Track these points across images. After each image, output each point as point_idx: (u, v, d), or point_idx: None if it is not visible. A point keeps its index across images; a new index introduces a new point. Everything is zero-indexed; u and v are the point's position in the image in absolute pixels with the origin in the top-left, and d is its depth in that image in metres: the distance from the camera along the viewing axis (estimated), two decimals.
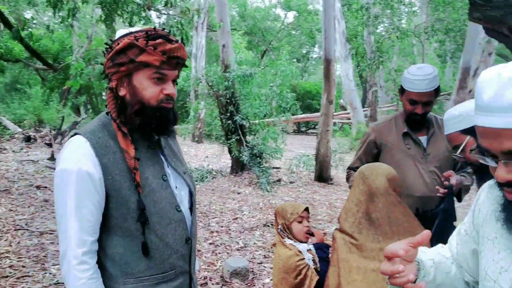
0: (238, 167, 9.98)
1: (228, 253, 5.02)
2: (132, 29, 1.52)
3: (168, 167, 1.63)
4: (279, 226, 2.58)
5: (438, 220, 2.40)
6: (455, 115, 2.05)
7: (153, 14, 8.53)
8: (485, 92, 0.93)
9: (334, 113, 14.02)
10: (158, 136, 1.60)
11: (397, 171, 2.64)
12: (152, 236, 1.50)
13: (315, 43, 32.43)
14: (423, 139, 2.72)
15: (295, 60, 28.50)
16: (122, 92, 1.51)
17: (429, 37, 13.57)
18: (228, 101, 9.61)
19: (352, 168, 2.94)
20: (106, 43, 1.55)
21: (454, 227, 1.98)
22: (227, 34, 10.30)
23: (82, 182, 1.41)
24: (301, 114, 22.09)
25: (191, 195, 1.68)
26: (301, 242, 2.51)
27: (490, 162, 0.97)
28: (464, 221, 1.28)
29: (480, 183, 1.96)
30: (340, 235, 1.98)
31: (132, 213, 1.46)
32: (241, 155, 9.28)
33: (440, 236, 2.36)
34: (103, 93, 23.22)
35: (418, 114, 2.63)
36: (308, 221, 2.53)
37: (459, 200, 2.61)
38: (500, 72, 0.92)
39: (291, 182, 9.55)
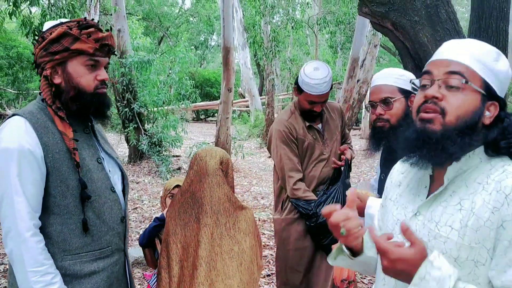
0: (136, 156, 9.75)
1: (128, 243, 4.92)
2: (63, 20, 1.60)
3: (101, 151, 1.72)
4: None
5: (341, 192, 2.66)
6: (401, 74, 2.17)
7: None
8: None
9: (233, 101, 14.21)
10: (96, 120, 1.71)
11: (309, 160, 2.87)
12: (90, 213, 1.58)
13: (214, 31, 32.37)
14: (319, 126, 2.94)
15: (193, 47, 28.23)
16: (57, 80, 1.58)
17: (321, 28, 14.25)
18: (125, 88, 9.32)
19: (295, 170, 2.83)
20: (35, 34, 1.62)
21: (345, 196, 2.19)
22: (122, 19, 9.95)
23: (25, 159, 1.46)
24: (200, 101, 22.07)
25: (124, 178, 1.78)
26: None
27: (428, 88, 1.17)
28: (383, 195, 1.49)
29: (373, 147, 2.19)
30: (173, 217, 2.04)
31: (72, 191, 1.54)
32: (139, 143, 9.07)
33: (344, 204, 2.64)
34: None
35: (316, 112, 2.81)
36: None
37: (350, 169, 2.95)
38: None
39: None
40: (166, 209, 2.23)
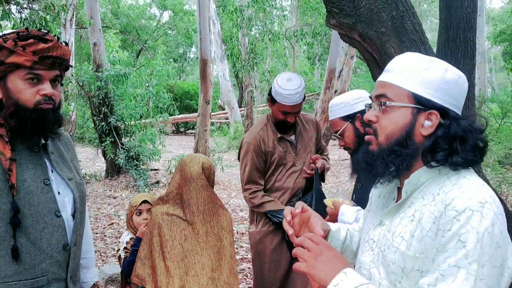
0: (113, 170, 9.62)
1: (103, 260, 4.82)
2: (6, 32, 1.49)
3: (52, 171, 1.59)
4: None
5: (314, 199, 2.67)
6: (337, 103, 2.29)
7: (13, 8, 7.83)
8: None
9: (212, 113, 14.19)
10: (39, 138, 1.56)
11: (280, 172, 2.87)
12: (23, 239, 1.45)
13: (192, 43, 32.40)
14: (292, 138, 2.94)
15: (172, 60, 28.21)
16: None
17: (299, 40, 14.37)
18: (101, 102, 9.21)
19: (252, 182, 2.87)
20: None
21: (324, 205, 2.20)
22: (98, 32, 9.87)
23: None
24: (179, 114, 21.97)
25: (75, 201, 1.64)
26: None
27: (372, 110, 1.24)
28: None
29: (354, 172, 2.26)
30: (161, 212, 2.24)
31: (3, 215, 1.41)
32: (116, 158, 8.96)
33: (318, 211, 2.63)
34: None
35: (290, 122, 2.82)
36: (149, 213, 2.53)
37: (323, 180, 2.94)
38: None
39: (169, 184, 9.45)
40: (146, 221, 2.43)
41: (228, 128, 19.39)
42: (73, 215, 1.62)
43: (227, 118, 20.59)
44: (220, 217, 2.24)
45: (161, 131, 10.46)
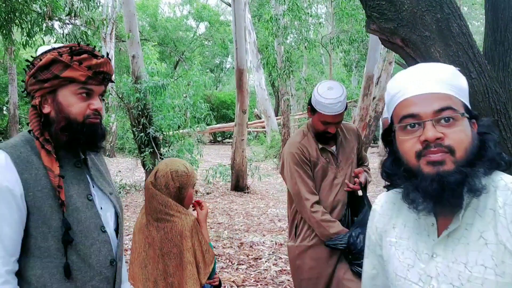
0: None
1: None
2: (55, 45, 1.49)
3: (93, 187, 1.58)
4: None
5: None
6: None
7: (56, 24, 8.09)
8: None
9: (249, 122, 14.21)
10: (88, 152, 1.57)
11: (322, 184, 2.76)
12: (74, 256, 1.44)
13: (228, 54, 32.70)
14: (333, 148, 2.84)
15: (208, 70, 28.52)
16: (47, 109, 1.47)
17: (335, 47, 14.22)
18: (140, 113, 9.36)
19: (310, 192, 2.71)
20: (27, 60, 1.51)
21: None
22: (137, 45, 10.06)
23: (2, 197, 1.35)
24: (216, 124, 22.13)
25: (117, 216, 1.64)
26: None
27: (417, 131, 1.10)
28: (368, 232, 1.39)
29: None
30: (138, 220, 2.38)
31: (54, 232, 1.41)
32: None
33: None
34: (4, 108, 21.64)
35: (331, 133, 2.72)
36: None
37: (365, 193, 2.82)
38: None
39: (207, 193, 9.50)
40: None
41: (265, 137, 19.37)
42: (115, 230, 1.62)
43: (263, 127, 20.59)
44: (175, 223, 2.21)
45: (198, 141, 10.53)
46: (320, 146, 2.79)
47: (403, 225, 1.24)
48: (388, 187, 1.22)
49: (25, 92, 1.52)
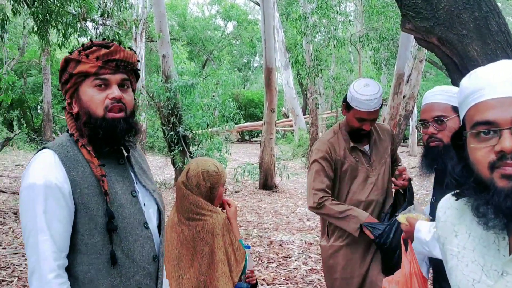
0: None
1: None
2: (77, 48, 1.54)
3: (137, 183, 1.60)
4: None
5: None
6: (455, 92, 2.06)
7: (89, 25, 8.28)
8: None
9: (277, 121, 14.19)
10: (114, 147, 1.56)
11: (350, 183, 2.75)
12: (118, 252, 1.47)
13: (256, 52, 32.77)
14: (366, 148, 2.81)
15: (236, 69, 28.65)
16: (75, 108, 1.51)
17: (364, 45, 14.07)
18: (170, 112, 9.49)
19: (321, 193, 2.70)
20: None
21: None
22: (167, 45, 10.19)
23: (52, 195, 1.38)
24: (244, 123, 22.21)
25: (160, 213, 1.65)
26: None
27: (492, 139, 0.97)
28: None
29: (426, 168, 2.08)
30: (169, 217, 2.42)
31: (100, 228, 1.44)
32: (185, 166, 9.16)
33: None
34: (38, 107, 22.28)
35: (365, 130, 2.69)
36: None
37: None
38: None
39: (236, 192, 9.55)
40: None
41: (293, 135, 19.34)
42: (158, 226, 1.64)
43: (291, 126, 20.56)
44: (207, 222, 2.25)
45: (226, 140, 10.60)
46: (352, 144, 2.77)
47: (467, 234, 1.12)
48: (457, 196, 1.11)
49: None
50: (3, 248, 5.37)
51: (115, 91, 1.48)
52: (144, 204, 1.60)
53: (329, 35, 13.86)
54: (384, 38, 13.92)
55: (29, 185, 1.40)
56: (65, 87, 1.51)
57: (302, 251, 5.29)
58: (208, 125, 9.84)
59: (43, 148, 1.49)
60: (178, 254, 2.28)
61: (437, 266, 2.15)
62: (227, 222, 2.31)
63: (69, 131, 1.53)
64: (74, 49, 1.52)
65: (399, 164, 2.99)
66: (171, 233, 2.33)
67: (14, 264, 4.75)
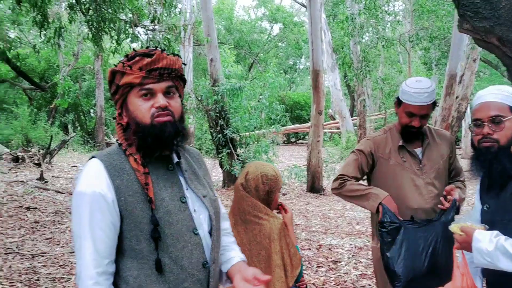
0: (230, 180, 9.94)
1: None
2: (121, 59, 1.56)
3: (187, 189, 1.60)
4: None
5: (436, 233, 2.41)
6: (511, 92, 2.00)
7: (140, 30, 8.53)
8: None
9: (324, 123, 14.08)
10: (163, 151, 1.56)
11: (393, 184, 2.66)
12: (165, 258, 1.47)
13: (302, 54, 32.64)
14: (418, 151, 2.71)
15: (282, 71, 28.66)
16: (125, 118, 1.55)
17: (415, 45, 13.73)
18: (218, 115, 9.61)
19: (346, 176, 2.69)
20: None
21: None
22: (214, 49, 10.34)
23: (96, 203, 1.43)
24: (291, 125, 22.16)
25: (211, 219, 1.63)
26: None
27: None
28: None
29: (478, 171, 2.01)
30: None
31: (145, 235, 1.45)
32: (232, 168, 9.26)
33: (444, 248, 2.37)
34: (91, 111, 23.18)
35: (415, 127, 2.61)
36: None
37: (457, 212, 2.54)
38: None
39: (283, 194, 9.53)
40: None
41: (340, 138, 19.12)
42: (210, 233, 1.61)
43: (338, 128, 20.33)
44: (263, 226, 2.23)
45: (273, 142, 10.61)
46: (400, 143, 2.69)
47: None
48: None
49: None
50: (61, 247, 5.61)
51: (160, 100, 1.49)
52: (195, 210, 1.59)
53: (377, 36, 13.63)
54: (435, 37, 13.56)
55: (77, 193, 1.46)
56: (114, 98, 1.56)
57: (352, 256, 5.22)
58: (255, 128, 9.89)
59: (92, 157, 1.54)
60: None
61: (492, 278, 2.05)
62: (284, 226, 2.29)
63: (118, 141, 1.57)
64: (122, 58, 1.55)
65: (461, 179, 2.81)
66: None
67: (72, 263, 4.95)
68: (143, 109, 1.49)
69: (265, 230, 2.23)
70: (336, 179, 2.73)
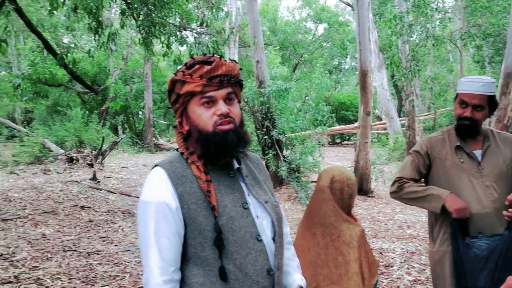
0: (276, 182, 9.94)
1: None
2: (179, 67, 1.59)
3: (249, 195, 1.59)
4: None
5: (500, 248, 2.31)
6: None
7: (187, 34, 8.68)
8: None
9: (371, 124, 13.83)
10: (228, 160, 1.57)
11: (450, 185, 2.57)
12: (230, 265, 1.47)
13: (347, 54, 32.23)
14: (477, 153, 2.60)
15: (327, 72, 28.40)
16: (186, 127, 1.57)
17: (467, 43, 13.26)
18: (264, 116, 9.63)
19: (403, 178, 2.65)
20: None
21: None
22: (261, 50, 10.37)
23: (160, 212, 1.44)
24: (336, 125, 21.91)
25: (274, 225, 1.62)
26: None
27: None
28: None
29: None
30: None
31: (209, 242, 1.46)
32: (279, 170, 9.25)
33: (504, 264, 2.27)
34: (140, 112, 23.80)
35: (468, 118, 2.51)
36: None
37: None
38: None
39: None
40: None
41: (387, 139, 18.73)
42: (273, 239, 1.60)
43: (385, 129, 19.93)
44: (343, 232, 2.21)
45: (319, 143, 10.53)
46: (458, 143, 2.60)
47: None
48: None
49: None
50: (114, 245, 5.79)
51: (222, 107, 1.49)
52: (257, 216, 1.57)
53: (426, 34, 13.26)
54: (489, 34, 13.04)
55: (142, 202, 1.48)
56: (174, 107, 1.57)
57: (404, 260, 5.09)
58: (301, 129, 9.85)
59: (155, 166, 1.55)
60: (306, 261, 2.24)
61: None
62: (363, 234, 2.29)
63: (179, 150, 1.58)
64: (179, 66, 1.58)
65: None
66: (300, 238, 2.32)
67: (125, 261, 5.10)
68: (205, 117, 1.50)
69: (344, 236, 2.22)
70: (394, 182, 2.69)
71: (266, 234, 1.57)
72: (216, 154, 1.51)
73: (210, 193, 1.47)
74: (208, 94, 1.49)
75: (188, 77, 1.49)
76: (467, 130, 2.57)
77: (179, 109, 1.56)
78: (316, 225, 2.26)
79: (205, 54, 1.56)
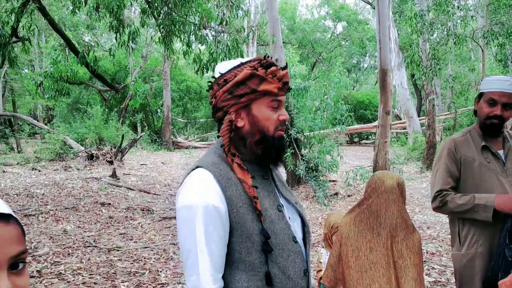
0: (294, 181, 9.93)
1: None
2: (243, 60, 1.50)
3: (280, 197, 1.57)
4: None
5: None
6: None
7: (207, 32, 8.72)
8: None
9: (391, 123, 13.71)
10: (273, 165, 1.57)
11: (481, 185, 2.53)
12: (274, 269, 1.44)
13: (366, 53, 31.98)
14: (500, 153, 2.58)
15: (346, 70, 28.26)
16: (240, 123, 1.48)
17: (489, 41, 13.02)
18: None
19: (443, 191, 2.55)
20: (213, 77, 1.53)
21: None
22: (279, 49, 10.36)
23: (210, 216, 1.38)
24: (355, 124, 21.76)
25: (304, 225, 1.60)
26: None
27: None
28: None
29: None
30: (349, 223, 2.30)
31: (257, 246, 1.42)
32: (297, 168, 9.24)
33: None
34: (159, 110, 24.00)
35: (497, 117, 2.46)
36: None
37: None
38: None
39: (348, 196, 9.38)
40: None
41: (406, 138, 18.54)
42: (303, 239, 1.59)
43: (404, 128, 19.73)
44: (407, 236, 2.18)
45: (337, 142, 10.48)
46: (483, 143, 2.56)
47: None
48: None
49: (213, 108, 1.54)
50: (134, 242, 5.86)
51: (286, 113, 1.50)
52: (289, 218, 1.56)
53: (447, 32, 13.06)
54: None
55: (187, 206, 1.40)
56: (235, 100, 1.47)
57: (424, 261, 5.04)
58: (320, 128, 9.81)
59: (197, 167, 1.48)
60: (367, 261, 2.21)
61: None
62: (420, 241, 2.28)
63: (223, 146, 1.50)
64: (243, 61, 1.50)
65: None
66: (357, 238, 2.26)
67: (145, 258, 5.16)
68: (272, 120, 1.47)
69: (407, 240, 2.20)
70: (435, 197, 2.59)
71: (298, 235, 1.56)
72: (275, 159, 1.52)
73: (256, 199, 1.44)
74: (279, 98, 1.48)
75: (270, 76, 1.45)
76: (495, 129, 2.54)
77: (239, 104, 1.47)
78: (382, 226, 2.21)
79: (265, 57, 1.51)
